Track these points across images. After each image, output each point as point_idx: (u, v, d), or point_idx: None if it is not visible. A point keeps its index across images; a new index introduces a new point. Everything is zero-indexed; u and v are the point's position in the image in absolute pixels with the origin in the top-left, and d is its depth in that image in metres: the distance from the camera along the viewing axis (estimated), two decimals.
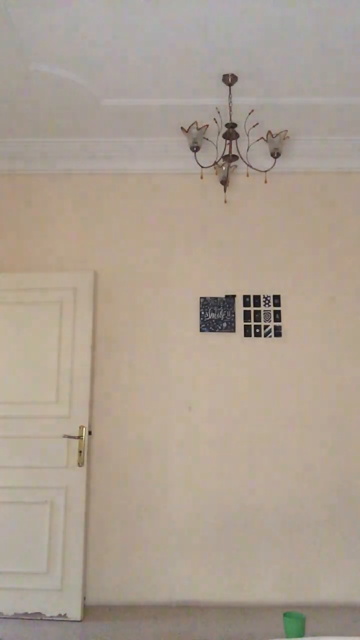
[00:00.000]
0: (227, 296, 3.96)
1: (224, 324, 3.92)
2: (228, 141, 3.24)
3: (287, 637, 2.65)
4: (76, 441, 3.54)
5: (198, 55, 3.17)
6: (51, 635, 3.12)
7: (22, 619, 3.33)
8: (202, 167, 3.26)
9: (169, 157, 4.12)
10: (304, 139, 4.02)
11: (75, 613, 3.33)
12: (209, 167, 3.37)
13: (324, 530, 3.66)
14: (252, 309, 3.95)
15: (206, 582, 3.62)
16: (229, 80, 3.33)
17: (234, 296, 3.96)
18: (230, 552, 3.65)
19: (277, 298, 3.96)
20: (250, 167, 3.32)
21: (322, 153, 4.10)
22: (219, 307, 3.95)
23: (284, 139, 3.23)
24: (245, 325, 3.93)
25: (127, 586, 3.62)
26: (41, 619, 3.33)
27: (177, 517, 3.70)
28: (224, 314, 3.93)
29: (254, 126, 3.47)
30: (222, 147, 3.44)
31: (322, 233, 4.08)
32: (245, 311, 3.95)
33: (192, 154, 3.25)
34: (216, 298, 3.96)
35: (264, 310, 3.95)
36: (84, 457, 3.50)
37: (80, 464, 3.50)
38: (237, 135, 3.25)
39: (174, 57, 3.19)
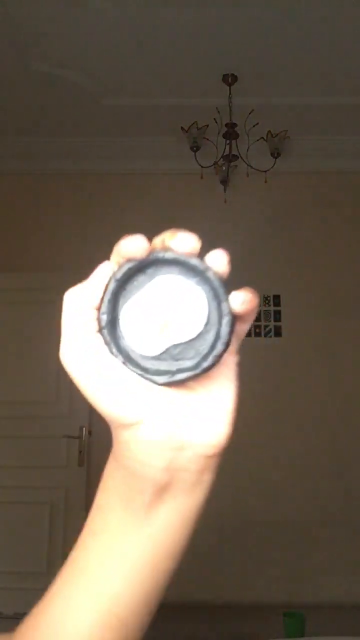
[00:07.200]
0: None
1: None
2: (228, 141, 3.24)
3: (287, 637, 2.65)
4: (76, 441, 3.54)
5: (198, 55, 3.17)
6: None
7: (23, 619, 3.33)
8: (202, 167, 3.26)
9: (169, 157, 4.12)
10: (304, 139, 4.02)
11: None
12: (209, 167, 3.37)
13: (324, 529, 3.66)
14: None
15: (206, 582, 3.62)
16: (229, 80, 3.32)
17: None
18: (230, 552, 3.65)
19: (277, 298, 3.96)
20: (250, 167, 3.31)
21: (322, 153, 4.10)
22: None
23: (284, 139, 3.23)
24: None
25: None
26: None
27: None
28: None
29: (254, 126, 3.46)
30: (222, 147, 3.43)
31: (322, 233, 4.08)
32: None
33: (192, 154, 3.25)
34: None
35: (264, 310, 3.94)
36: (84, 457, 3.50)
37: (80, 464, 3.50)
38: (237, 135, 3.25)
39: (174, 57, 3.19)
